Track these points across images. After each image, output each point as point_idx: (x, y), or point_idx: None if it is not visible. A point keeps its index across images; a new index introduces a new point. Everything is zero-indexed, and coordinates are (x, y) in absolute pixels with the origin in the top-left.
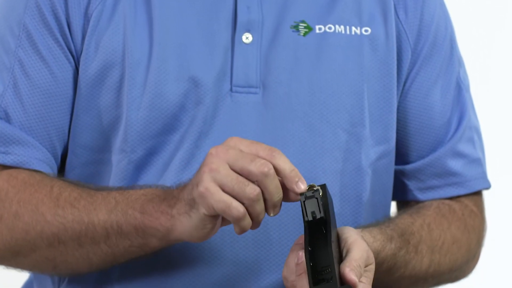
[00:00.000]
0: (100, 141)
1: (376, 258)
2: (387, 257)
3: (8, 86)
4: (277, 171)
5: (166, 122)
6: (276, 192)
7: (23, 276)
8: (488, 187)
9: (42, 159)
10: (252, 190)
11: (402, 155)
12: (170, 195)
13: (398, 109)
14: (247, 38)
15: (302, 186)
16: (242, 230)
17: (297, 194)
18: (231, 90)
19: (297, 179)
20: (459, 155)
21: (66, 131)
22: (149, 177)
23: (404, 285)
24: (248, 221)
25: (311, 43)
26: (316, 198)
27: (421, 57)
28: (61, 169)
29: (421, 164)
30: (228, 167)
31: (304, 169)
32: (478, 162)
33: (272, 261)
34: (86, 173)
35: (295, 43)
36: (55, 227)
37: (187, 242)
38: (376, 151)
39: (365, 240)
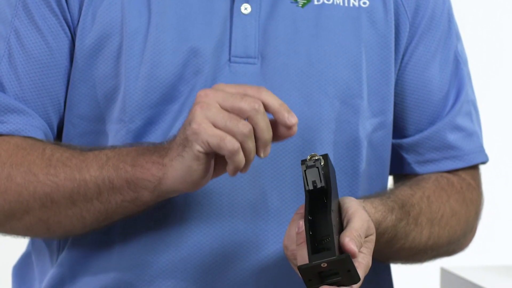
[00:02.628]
0: (97, 111)
1: (377, 229)
2: (387, 228)
3: (4, 56)
4: (266, 107)
5: (165, 92)
6: (266, 129)
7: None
8: (486, 160)
9: (38, 127)
10: (244, 125)
11: (400, 129)
12: (161, 147)
13: (396, 83)
14: (245, 8)
15: (293, 119)
16: (236, 168)
17: (288, 127)
18: (229, 60)
19: (286, 113)
20: (457, 128)
21: (62, 102)
22: None
23: (403, 257)
24: (242, 156)
25: (309, 15)
26: (317, 167)
27: (419, 31)
28: (58, 141)
29: (419, 138)
30: (218, 105)
31: (301, 140)
32: (476, 136)
33: (271, 232)
34: (84, 144)
35: (293, 14)
36: (48, 187)
37: (184, 204)
38: (372, 122)
39: (366, 211)
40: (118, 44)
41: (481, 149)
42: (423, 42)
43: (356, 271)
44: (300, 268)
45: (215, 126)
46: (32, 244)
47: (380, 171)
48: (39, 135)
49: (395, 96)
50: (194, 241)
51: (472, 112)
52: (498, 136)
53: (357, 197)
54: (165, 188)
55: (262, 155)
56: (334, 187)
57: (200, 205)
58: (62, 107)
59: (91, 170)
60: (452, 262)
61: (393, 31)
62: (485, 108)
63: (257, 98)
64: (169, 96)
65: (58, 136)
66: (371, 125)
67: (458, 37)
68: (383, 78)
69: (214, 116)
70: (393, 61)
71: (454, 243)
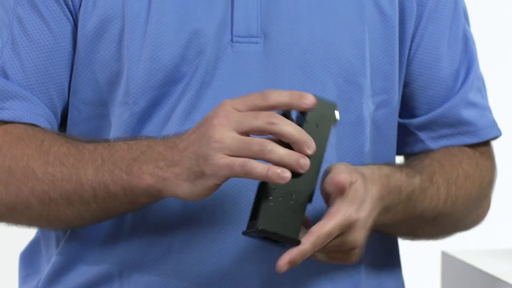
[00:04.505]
0: (101, 96)
1: (388, 185)
2: (401, 183)
3: (7, 43)
4: (281, 137)
5: (168, 73)
6: (294, 130)
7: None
8: (499, 134)
9: (40, 113)
10: (257, 144)
11: (411, 108)
12: (156, 154)
13: (408, 63)
14: None
15: (312, 145)
16: (274, 178)
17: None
18: (231, 40)
19: (304, 142)
20: (470, 104)
21: (66, 87)
22: (151, 129)
23: (425, 223)
24: (260, 168)
25: None
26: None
27: (427, 10)
28: (64, 126)
29: (433, 116)
30: (231, 132)
31: None
32: (488, 110)
33: None
34: (89, 128)
35: None
36: (45, 185)
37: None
38: (374, 101)
39: (363, 171)
40: (120, 27)
41: (494, 124)
42: (432, 21)
43: (294, 238)
44: (242, 232)
45: (233, 155)
46: (41, 231)
47: (385, 150)
48: (41, 123)
49: (406, 76)
50: (198, 227)
51: (482, 88)
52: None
53: None
54: (165, 196)
55: (309, 151)
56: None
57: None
58: (67, 93)
59: (87, 173)
60: (453, 246)
61: (397, 10)
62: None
63: (269, 123)
64: (172, 78)
65: (64, 121)
66: (373, 103)
67: (466, 17)
68: (386, 57)
69: (228, 147)
70: (397, 40)
71: (471, 209)
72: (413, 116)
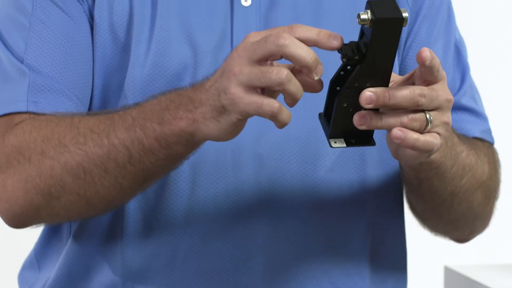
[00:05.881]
0: (113, 101)
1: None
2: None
3: (31, 42)
4: (304, 41)
5: (169, 80)
6: (304, 51)
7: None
8: (492, 141)
9: (70, 104)
10: (278, 73)
11: None
12: (185, 99)
13: (400, 67)
14: (245, 1)
15: (335, 41)
16: (282, 125)
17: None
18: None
19: (327, 38)
20: (463, 108)
21: (91, 78)
22: None
23: (462, 191)
24: (285, 113)
25: (309, 4)
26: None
27: (420, 16)
28: None
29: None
30: (249, 62)
31: (306, 128)
32: (484, 118)
33: (276, 224)
34: None
35: (293, 4)
36: (78, 156)
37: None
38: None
39: None
40: (128, 34)
41: (487, 130)
42: (425, 27)
43: (370, 136)
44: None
45: (252, 86)
46: (50, 230)
47: (389, 156)
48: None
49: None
50: (202, 231)
51: (476, 97)
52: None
53: (367, 181)
54: (198, 140)
55: (316, 77)
56: (381, 58)
57: (206, 191)
58: (91, 83)
59: (119, 133)
60: (455, 261)
61: None
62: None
63: (283, 35)
64: (173, 85)
65: None
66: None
67: (456, 28)
68: None
69: (247, 79)
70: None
71: (492, 194)
72: None
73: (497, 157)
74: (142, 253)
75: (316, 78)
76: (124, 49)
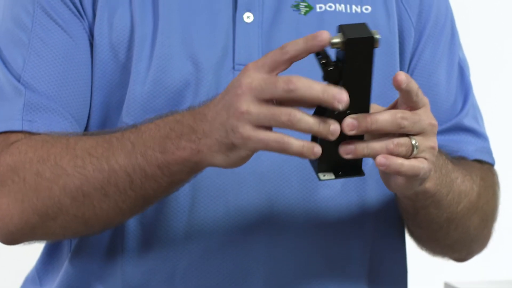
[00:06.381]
0: (113, 118)
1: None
2: (441, 158)
3: (29, 59)
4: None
5: (170, 97)
6: (309, 88)
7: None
8: (492, 162)
9: (66, 125)
10: (288, 116)
11: None
12: (186, 128)
13: None
14: (248, 17)
15: (343, 98)
16: (296, 154)
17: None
18: (233, 68)
19: (333, 98)
20: (465, 129)
21: (89, 97)
22: None
23: (458, 216)
24: (295, 146)
25: (312, 22)
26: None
27: (425, 36)
28: None
29: None
30: (256, 101)
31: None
32: (485, 139)
33: (275, 239)
34: None
35: (296, 22)
36: (77, 179)
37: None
38: None
39: None
40: (129, 51)
41: (488, 151)
42: (429, 47)
43: (359, 166)
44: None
45: (260, 126)
46: (40, 263)
47: None
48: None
49: None
50: (202, 248)
51: (478, 117)
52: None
53: (367, 199)
54: (202, 168)
55: (340, 106)
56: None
57: (206, 208)
58: (89, 102)
59: (119, 159)
60: (456, 277)
61: (397, 35)
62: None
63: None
64: (174, 102)
65: None
66: None
67: (460, 46)
68: (388, 83)
69: (255, 120)
70: (398, 65)
71: (489, 218)
72: None
73: (496, 180)
74: (141, 269)
75: (341, 107)
76: (125, 66)
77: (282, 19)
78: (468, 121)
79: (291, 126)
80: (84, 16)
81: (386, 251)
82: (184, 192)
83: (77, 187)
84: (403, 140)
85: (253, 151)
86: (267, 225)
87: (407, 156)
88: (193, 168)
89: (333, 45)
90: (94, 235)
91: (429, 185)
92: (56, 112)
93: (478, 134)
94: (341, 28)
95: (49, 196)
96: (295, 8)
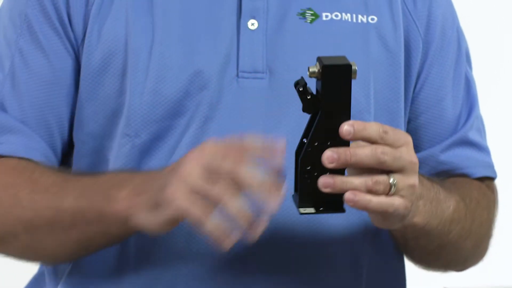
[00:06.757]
0: (105, 128)
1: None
2: (430, 179)
3: (7, 76)
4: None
5: (170, 107)
6: (255, 181)
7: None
8: (494, 176)
9: (36, 148)
10: (217, 193)
11: (414, 145)
12: (136, 181)
13: (412, 100)
14: (252, 24)
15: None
16: (216, 240)
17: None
18: (237, 75)
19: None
20: (469, 143)
21: (66, 121)
22: (154, 162)
23: (451, 243)
24: (209, 228)
25: (317, 31)
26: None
27: (433, 49)
28: (68, 160)
29: (432, 152)
30: (201, 169)
31: None
32: (487, 152)
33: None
34: (94, 161)
35: (302, 30)
36: (30, 212)
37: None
38: None
39: None
40: (123, 60)
41: (490, 165)
42: (438, 60)
43: (341, 202)
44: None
45: (192, 192)
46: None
47: None
48: (36, 157)
49: (410, 112)
50: (200, 260)
51: (481, 129)
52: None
53: (367, 217)
54: (131, 226)
55: (273, 202)
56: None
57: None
58: (66, 126)
59: (68, 200)
60: (455, 283)
61: (403, 47)
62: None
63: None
64: (175, 111)
65: (69, 154)
66: None
67: (468, 58)
68: (392, 94)
69: (192, 183)
70: (402, 76)
71: (482, 237)
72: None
73: (493, 197)
74: (142, 279)
75: (273, 203)
76: (119, 76)
77: (287, 27)
78: (472, 135)
79: (217, 204)
80: (70, 33)
81: (386, 270)
82: None
83: (28, 220)
84: (382, 178)
85: (177, 215)
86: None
87: (385, 194)
88: (124, 224)
89: (310, 74)
90: (49, 265)
91: (417, 219)
92: (28, 136)
93: (481, 148)
94: (319, 59)
95: (5, 223)
96: (301, 16)
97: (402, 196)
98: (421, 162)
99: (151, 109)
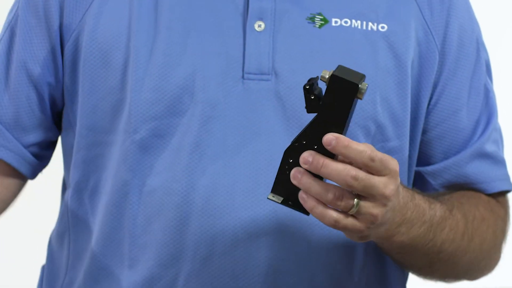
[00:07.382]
0: (104, 123)
1: (412, 201)
2: (424, 205)
3: None
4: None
5: (170, 104)
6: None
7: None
8: (509, 189)
9: (9, 148)
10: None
11: (428, 156)
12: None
13: (428, 111)
14: (259, 26)
15: None
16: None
17: None
18: (243, 77)
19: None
20: (485, 155)
21: (49, 122)
22: (157, 160)
23: (442, 260)
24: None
25: (326, 36)
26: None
27: (450, 60)
28: (69, 152)
29: (447, 164)
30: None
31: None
32: (503, 164)
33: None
34: (91, 155)
35: (310, 34)
36: None
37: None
38: (384, 146)
39: None
40: (126, 56)
41: (506, 177)
42: (455, 72)
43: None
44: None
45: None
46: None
47: None
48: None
49: (424, 123)
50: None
51: (499, 140)
52: None
53: None
54: None
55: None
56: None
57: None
58: (51, 126)
59: None
60: (456, 284)
61: (411, 56)
62: None
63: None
64: (175, 109)
65: (70, 147)
66: (382, 149)
67: (488, 68)
68: (399, 102)
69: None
70: (409, 85)
71: (484, 254)
72: (428, 163)
73: (504, 212)
74: (142, 278)
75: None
76: (119, 72)
77: (295, 30)
78: (489, 147)
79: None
80: (58, 36)
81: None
82: (180, 203)
83: None
84: (347, 196)
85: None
86: (268, 232)
87: (345, 211)
88: None
89: (321, 77)
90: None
91: (398, 238)
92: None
93: (497, 160)
94: (338, 67)
95: None
96: (310, 21)
97: (357, 219)
98: (436, 173)
99: (150, 105)
